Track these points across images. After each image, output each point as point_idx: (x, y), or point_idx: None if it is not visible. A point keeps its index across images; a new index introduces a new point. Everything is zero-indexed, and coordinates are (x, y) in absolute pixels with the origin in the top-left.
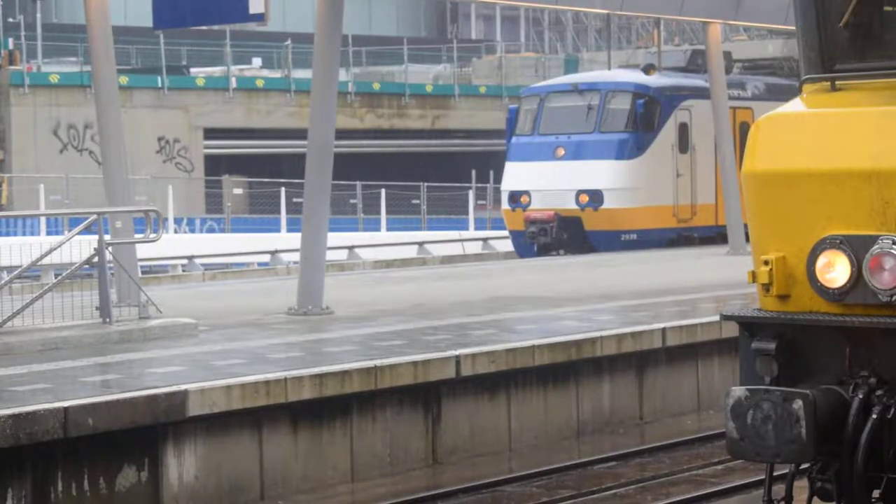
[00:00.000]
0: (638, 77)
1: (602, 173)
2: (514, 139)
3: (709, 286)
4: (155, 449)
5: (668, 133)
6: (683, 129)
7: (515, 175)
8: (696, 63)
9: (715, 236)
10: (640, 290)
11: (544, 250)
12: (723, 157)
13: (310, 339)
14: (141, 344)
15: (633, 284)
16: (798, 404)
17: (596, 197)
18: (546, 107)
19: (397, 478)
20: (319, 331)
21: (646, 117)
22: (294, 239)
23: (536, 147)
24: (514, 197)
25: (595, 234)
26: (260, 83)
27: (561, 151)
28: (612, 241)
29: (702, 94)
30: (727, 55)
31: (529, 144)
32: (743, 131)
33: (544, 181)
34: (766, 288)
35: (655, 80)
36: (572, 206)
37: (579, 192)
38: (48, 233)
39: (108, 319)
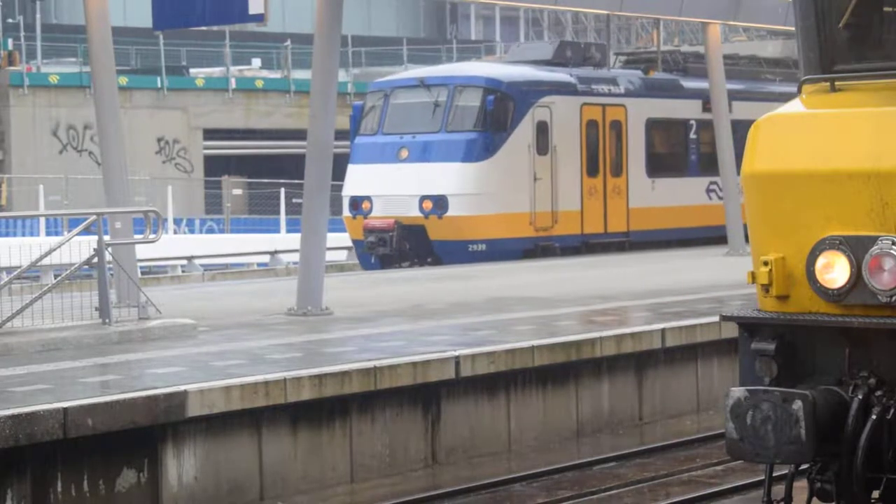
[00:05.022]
0: (489, 70)
1: (447, 177)
2: (357, 139)
3: (707, 287)
4: (154, 450)
5: (523, 133)
6: (542, 129)
7: (356, 179)
8: (564, 56)
9: (579, 246)
10: (638, 290)
11: (386, 262)
12: (722, 160)
13: (309, 340)
14: (140, 344)
15: (631, 285)
16: (797, 405)
17: (440, 203)
18: (391, 104)
19: (397, 478)
20: (319, 331)
21: (497, 115)
22: (293, 239)
23: (379, 148)
24: (355, 203)
25: (440, 244)
26: (259, 84)
27: (404, 153)
28: (458, 252)
29: (565, 89)
30: (601, 47)
31: (372, 145)
32: (615, 130)
33: (386, 186)
34: (766, 289)
35: (509, 73)
36: (415, 213)
37: (423, 198)
38: (48, 233)
39: (107, 320)
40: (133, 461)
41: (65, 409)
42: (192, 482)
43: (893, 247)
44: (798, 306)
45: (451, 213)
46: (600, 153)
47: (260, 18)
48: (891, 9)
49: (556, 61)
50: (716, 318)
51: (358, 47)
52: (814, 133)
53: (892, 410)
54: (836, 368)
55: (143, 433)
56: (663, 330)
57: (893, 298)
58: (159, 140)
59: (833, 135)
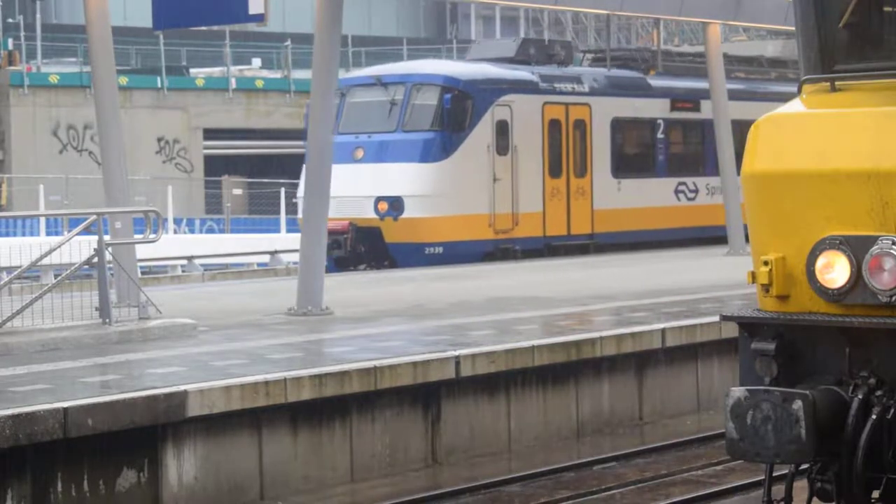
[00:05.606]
0: (447, 68)
1: (403, 178)
2: None
3: (708, 287)
4: (154, 449)
5: (482, 132)
6: (502, 128)
7: None
8: (527, 54)
9: (542, 249)
10: (638, 290)
11: (341, 265)
12: (722, 160)
13: (309, 340)
14: (140, 344)
15: (631, 285)
16: (797, 405)
17: (396, 205)
18: (347, 102)
19: (397, 478)
20: (319, 331)
21: (454, 114)
22: (293, 239)
23: (335, 148)
24: None
25: (396, 247)
26: (259, 84)
27: (360, 153)
28: (414, 255)
29: (527, 88)
30: (566, 45)
31: None
32: (578, 129)
33: (341, 187)
34: (766, 288)
35: (468, 71)
36: (371, 214)
37: (378, 199)
38: (48, 233)
39: (107, 320)
40: (133, 461)
41: (65, 409)
42: (192, 482)
43: (893, 247)
44: (798, 306)
45: (406, 214)
46: (563, 153)
47: (260, 18)
48: (891, 9)
49: (518, 59)
50: (716, 318)
51: (358, 47)
52: (814, 133)
53: (892, 410)
54: (836, 368)
55: (143, 433)
56: (663, 330)
57: (893, 298)
58: (159, 140)
59: (833, 135)
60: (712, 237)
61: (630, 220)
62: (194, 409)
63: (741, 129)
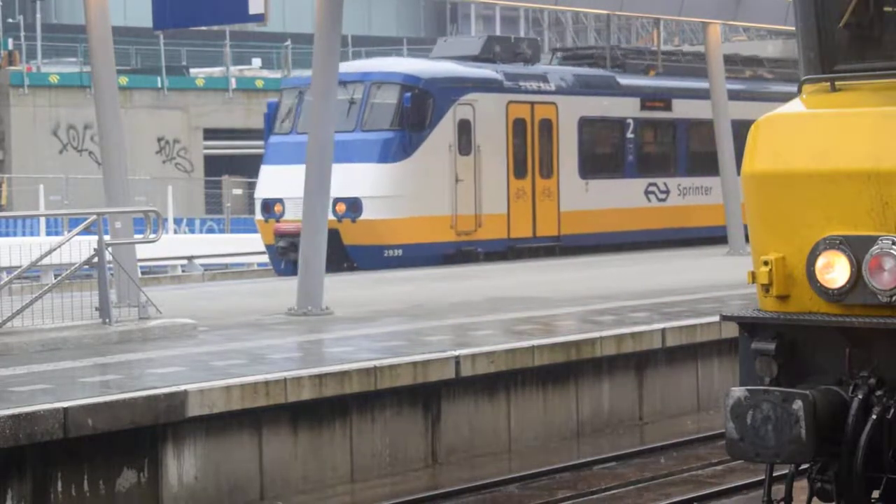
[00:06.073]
0: (407, 66)
1: (361, 179)
2: (270, 139)
3: (708, 287)
4: (155, 449)
5: (443, 132)
6: (465, 127)
7: (269, 181)
8: (492, 51)
9: (505, 251)
10: (638, 290)
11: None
12: (722, 160)
13: (309, 340)
14: (140, 344)
15: (631, 285)
16: (798, 405)
17: (354, 206)
18: (306, 101)
19: (397, 478)
20: (319, 331)
21: (415, 113)
22: None
23: (293, 148)
24: (267, 206)
25: (355, 249)
26: (259, 83)
27: None
28: (373, 258)
29: (490, 86)
30: (532, 43)
31: (286, 145)
32: (544, 129)
33: (298, 188)
34: (766, 288)
35: (429, 69)
36: (328, 216)
37: (336, 201)
38: (48, 233)
39: (107, 320)
40: (133, 461)
41: (65, 409)
42: (192, 482)
43: (893, 247)
44: (798, 306)
45: (365, 216)
46: (528, 153)
47: (260, 18)
48: (891, 9)
49: (483, 57)
50: (716, 318)
51: (358, 47)
52: (814, 133)
53: (892, 410)
54: (836, 368)
55: (143, 433)
56: (663, 330)
57: (893, 298)
58: (159, 140)
59: (833, 135)
60: (684, 239)
61: (598, 221)
62: (194, 409)
63: (711, 129)
